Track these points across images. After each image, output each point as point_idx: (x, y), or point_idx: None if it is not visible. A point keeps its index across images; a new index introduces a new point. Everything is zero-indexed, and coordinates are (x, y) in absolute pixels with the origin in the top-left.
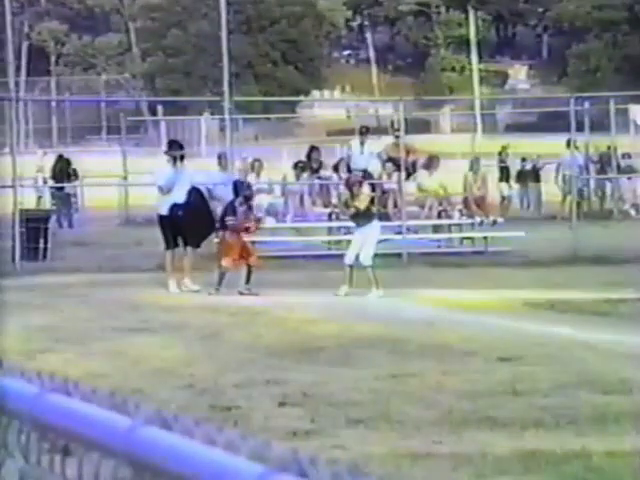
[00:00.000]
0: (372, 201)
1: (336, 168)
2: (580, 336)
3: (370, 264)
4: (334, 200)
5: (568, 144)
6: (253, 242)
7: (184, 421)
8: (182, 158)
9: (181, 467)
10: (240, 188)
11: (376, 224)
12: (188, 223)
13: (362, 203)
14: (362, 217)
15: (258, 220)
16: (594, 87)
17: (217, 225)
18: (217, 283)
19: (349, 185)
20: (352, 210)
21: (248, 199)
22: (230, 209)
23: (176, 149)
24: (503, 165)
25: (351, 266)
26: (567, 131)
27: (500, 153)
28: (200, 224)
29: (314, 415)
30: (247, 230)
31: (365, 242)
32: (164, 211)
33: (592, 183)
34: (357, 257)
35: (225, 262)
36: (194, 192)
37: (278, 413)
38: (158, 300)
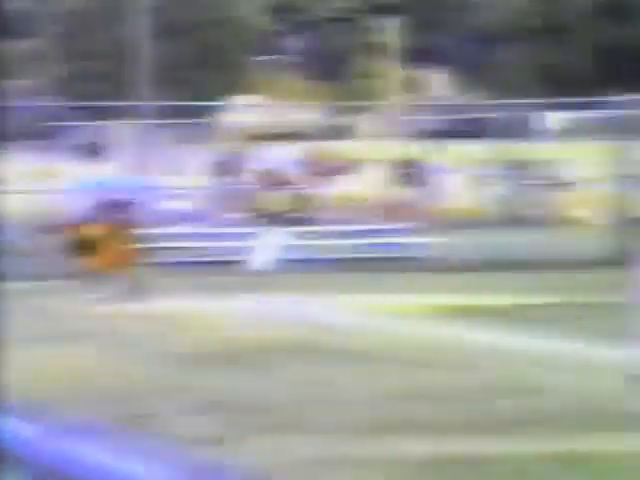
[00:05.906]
0: (289, 206)
1: (254, 173)
2: (496, 341)
3: (269, 269)
4: (248, 205)
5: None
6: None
7: (98, 430)
8: None
9: (94, 476)
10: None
11: (282, 230)
12: None
13: (274, 206)
14: (271, 222)
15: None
16: (511, 95)
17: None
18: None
19: (263, 188)
20: (263, 213)
21: (121, 205)
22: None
23: None
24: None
25: (257, 270)
26: (486, 137)
27: (419, 159)
28: None
29: (227, 422)
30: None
31: (268, 248)
32: None
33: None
34: (261, 261)
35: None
36: None
37: (193, 420)
38: (74, 308)
